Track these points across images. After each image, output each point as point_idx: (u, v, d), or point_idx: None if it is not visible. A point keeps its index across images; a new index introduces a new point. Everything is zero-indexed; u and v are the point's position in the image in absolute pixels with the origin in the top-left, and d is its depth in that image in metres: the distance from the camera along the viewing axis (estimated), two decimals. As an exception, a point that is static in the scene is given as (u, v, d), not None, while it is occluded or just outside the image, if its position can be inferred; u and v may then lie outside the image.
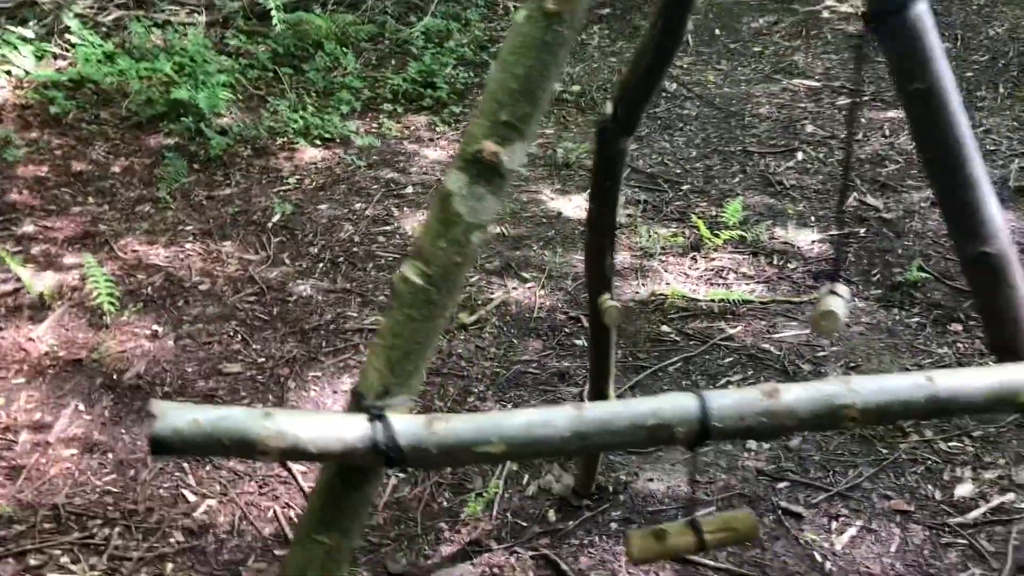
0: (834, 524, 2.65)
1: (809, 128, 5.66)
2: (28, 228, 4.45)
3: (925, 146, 1.15)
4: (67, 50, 6.34)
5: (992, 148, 5.12)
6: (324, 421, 0.98)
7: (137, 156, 5.25)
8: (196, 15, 7.12)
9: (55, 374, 3.42)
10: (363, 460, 0.99)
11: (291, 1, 7.21)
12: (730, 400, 1.07)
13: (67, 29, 6.46)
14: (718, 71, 6.73)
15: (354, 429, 0.97)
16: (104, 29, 6.77)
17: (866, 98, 6.08)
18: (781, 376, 3.31)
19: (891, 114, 5.76)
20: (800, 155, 5.30)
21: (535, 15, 0.93)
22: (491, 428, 1.01)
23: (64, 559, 2.61)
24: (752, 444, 2.98)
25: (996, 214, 1.15)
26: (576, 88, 6.33)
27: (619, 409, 1.04)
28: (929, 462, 2.87)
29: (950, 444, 2.93)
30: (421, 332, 1.00)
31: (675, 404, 1.05)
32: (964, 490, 2.72)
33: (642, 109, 1.58)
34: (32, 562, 2.58)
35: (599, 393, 2.33)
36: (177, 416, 0.94)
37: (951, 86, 1.14)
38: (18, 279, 3.91)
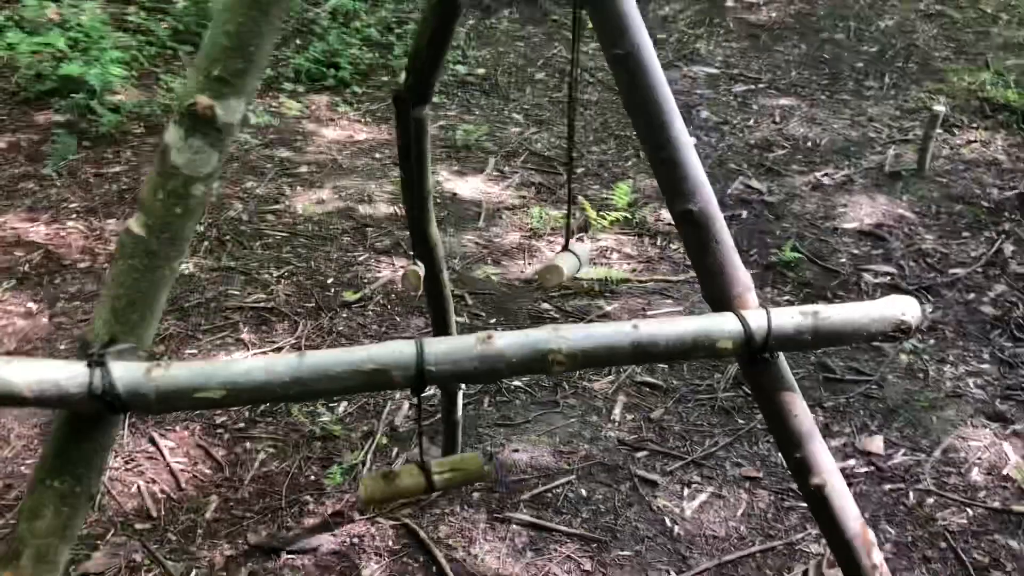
0: (686, 491, 2.75)
1: (704, 114, 5.80)
2: (-98, 204, 4.31)
3: (630, 108, 1.22)
4: (-46, 22, 6.13)
5: (873, 135, 5.32)
6: (42, 367, 1.01)
7: (24, 132, 5.12)
8: (95, -10, 6.94)
9: (-80, 352, 3.33)
10: (82, 406, 1.01)
11: (193, -22, 7.09)
12: (445, 346, 1.12)
13: (-45, 1, 6.25)
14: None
15: (72, 375, 1.00)
16: (-4, 2, 6.56)
17: (761, 85, 6.26)
18: (651, 351, 3.41)
19: (783, 101, 5.94)
20: (693, 140, 5.41)
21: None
22: (211, 373, 1.04)
23: (-86, 537, 2.56)
24: (616, 416, 3.08)
25: (698, 173, 1.23)
26: (481, 71, 6.36)
27: (340, 356, 1.09)
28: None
29: (803, 414, 3.06)
30: (144, 282, 1.03)
31: (393, 350, 1.11)
32: (811, 457, 2.85)
33: (433, 79, 1.63)
34: None
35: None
36: None
37: (650, 51, 1.21)
38: None
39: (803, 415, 1.30)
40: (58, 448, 1.08)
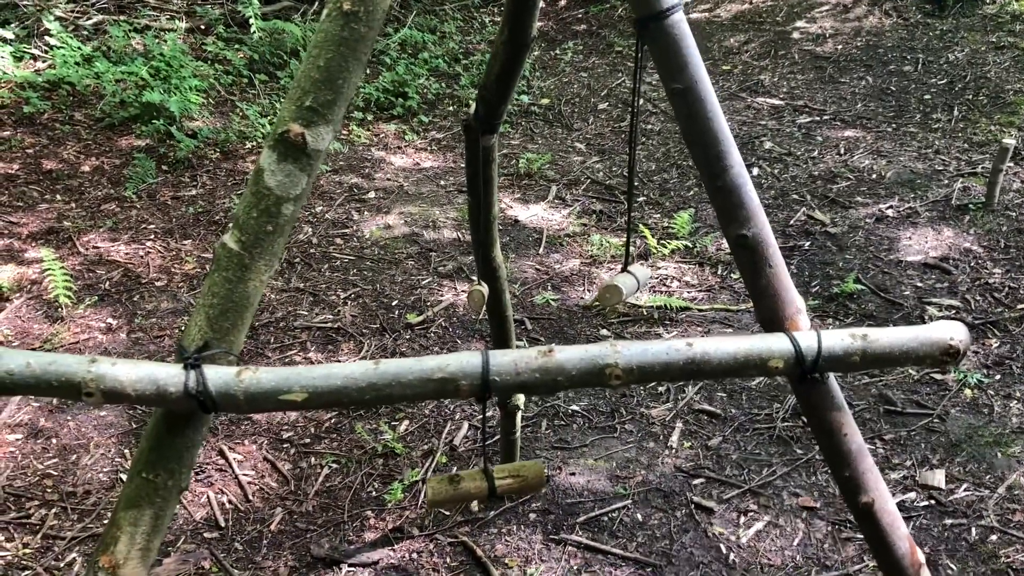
0: (742, 519, 2.76)
1: (767, 145, 5.80)
2: (-6, 223, 4.55)
3: (688, 139, 1.27)
4: (46, 52, 6.45)
5: (940, 168, 5.26)
6: (144, 369, 1.09)
7: (107, 156, 5.35)
8: (176, 21, 7.25)
9: (8, 363, 3.51)
10: (177, 404, 1.10)
11: (271, 10, 7.37)
12: (509, 358, 1.18)
13: (47, 32, 6.58)
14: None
15: (170, 376, 1.09)
16: (84, 32, 6.89)
17: (826, 117, 6.24)
18: (711, 383, 3.42)
19: (848, 133, 5.91)
20: (755, 171, 5.43)
21: (334, 14, 1.05)
22: (294, 378, 1.12)
23: (-1, 537, 2.70)
24: (674, 442, 3.10)
25: (753, 201, 1.27)
26: (545, 101, 6.46)
27: (411, 365, 1.16)
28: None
29: (863, 446, 3.04)
30: (236, 293, 1.11)
31: (461, 360, 1.17)
32: (870, 489, 2.83)
33: (501, 109, 1.70)
34: (-32, 539, 2.67)
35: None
36: (11, 358, 1.05)
37: (707, 86, 1.25)
38: (-21, 271, 4.01)
39: (852, 434, 1.33)
40: (153, 443, 1.16)
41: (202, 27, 7.35)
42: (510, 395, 2.02)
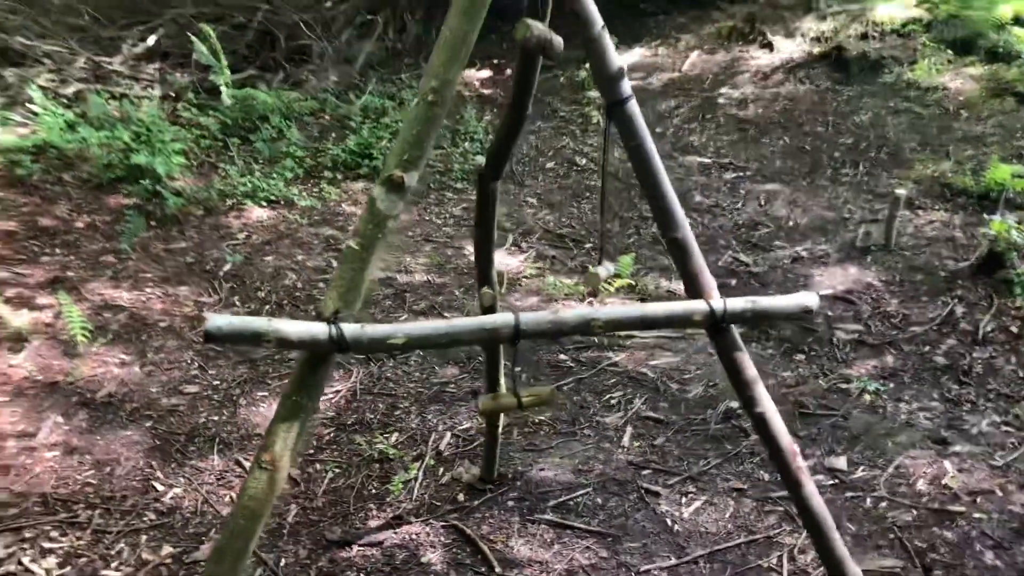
0: (684, 499, 3.33)
1: (698, 198, 6.52)
2: (2, 274, 4.96)
3: (640, 176, 1.87)
4: (30, 118, 6.90)
5: (847, 216, 6.02)
6: (302, 326, 1.63)
7: (98, 214, 5.81)
8: (150, 89, 7.77)
9: (35, 394, 3.94)
10: (323, 348, 1.63)
11: (238, 78, 7.93)
12: (532, 316, 1.75)
13: (30, 99, 7.04)
14: (623, 148, 7.60)
15: (321, 330, 1.62)
16: (65, 100, 7.36)
17: (748, 173, 7.00)
18: (653, 392, 4.02)
19: (768, 186, 6.67)
20: (688, 220, 6.12)
21: (422, 102, 1.63)
22: (396, 330, 1.67)
23: (53, 533, 3.13)
24: (625, 443, 3.68)
25: (681, 214, 1.87)
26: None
27: (472, 321, 1.71)
28: (764, 454, 3.59)
29: (781, 441, 3.66)
30: (356, 277, 1.65)
31: (503, 319, 1.73)
32: (786, 473, 3.45)
33: (504, 164, 2.29)
34: (27, 535, 3.10)
35: (492, 387, 3.00)
36: (220, 319, 1.57)
37: (650, 143, 1.85)
38: (-2, 316, 4.43)
39: (750, 367, 1.92)
40: (300, 376, 1.69)
41: (172, 95, 7.88)
42: (534, 338, 2.54)
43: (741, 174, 6.96)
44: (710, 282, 1.86)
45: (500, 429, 3.17)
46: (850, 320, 4.68)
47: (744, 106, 8.32)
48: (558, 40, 1.79)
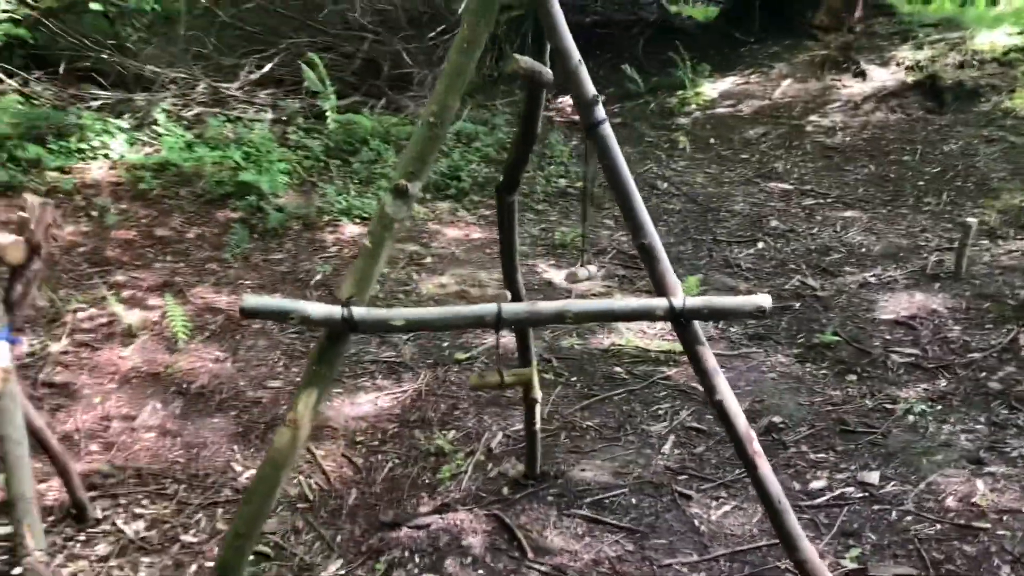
0: (714, 503, 3.51)
1: (773, 223, 6.63)
2: (120, 277, 5.53)
3: (613, 191, 2.11)
4: (155, 139, 7.58)
5: (922, 244, 6.03)
6: (322, 307, 1.94)
7: (208, 226, 6.37)
8: (263, 113, 8.39)
9: (139, 383, 4.42)
10: (337, 327, 1.94)
11: (343, 104, 8.48)
12: (511, 307, 2.01)
13: (155, 121, 7.74)
14: (707, 174, 7.77)
15: (335, 311, 1.93)
16: (186, 122, 8.05)
17: (829, 200, 7.06)
18: (700, 405, 4.20)
19: (846, 213, 6.72)
20: (760, 244, 6.26)
21: (424, 123, 1.92)
22: (397, 314, 1.96)
23: (144, 501, 3.55)
24: (666, 450, 3.87)
25: (648, 221, 2.09)
26: (580, 184, 7.38)
27: (461, 309, 1.99)
28: (799, 467, 3.73)
29: (817, 455, 3.79)
30: (368, 269, 1.96)
31: (488, 308, 2.00)
32: (817, 484, 3.57)
33: (518, 180, 2.57)
34: (122, 501, 3.53)
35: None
36: (254, 299, 1.90)
37: (622, 161, 2.08)
38: (113, 314, 4.97)
39: (710, 359, 2.13)
40: (320, 350, 2.01)
41: (283, 118, 8.48)
42: (514, 327, 2.78)
43: (821, 200, 7.03)
44: (674, 282, 2.08)
45: (537, 427, 3.42)
46: (908, 344, 4.73)
47: (832, 134, 8.37)
48: (547, 72, 2.05)
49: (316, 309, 1.93)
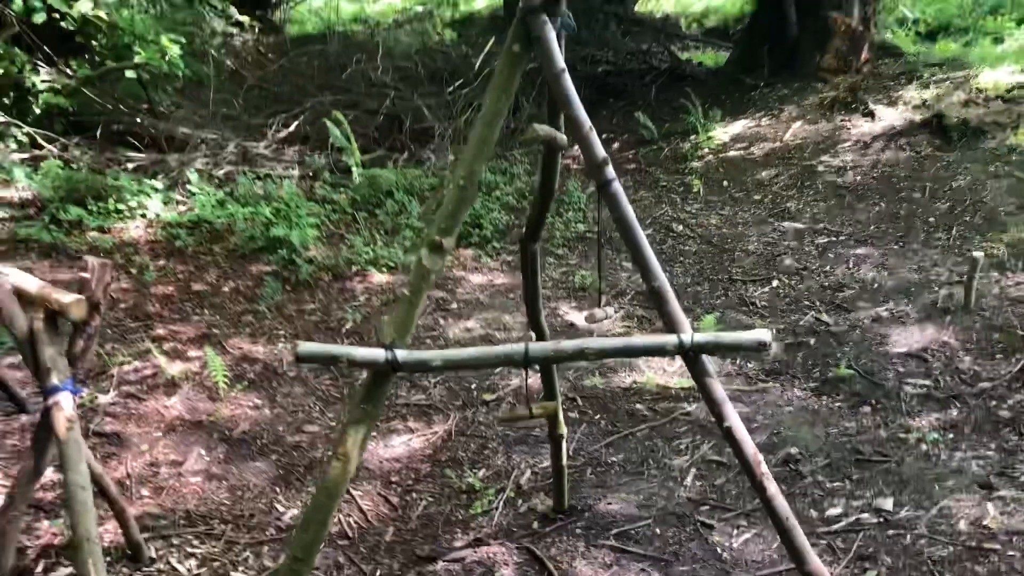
0: (735, 532, 3.67)
1: (787, 262, 6.82)
2: (161, 331, 5.79)
3: (624, 240, 2.32)
4: (188, 197, 7.91)
5: (933, 279, 6.20)
6: (367, 351, 2.16)
7: (242, 279, 6.64)
8: (290, 170, 8.72)
9: (183, 430, 4.65)
10: (382, 367, 2.15)
11: (367, 158, 8.80)
12: (538, 346, 2.22)
13: (188, 181, 8.07)
14: (721, 216, 7.99)
15: (379, 354, 2.15)
16: (217, 180, 8.38)
17: (842, 237, 7.25)
18: (720, 439, 4.37)
19: (859, 251, 6.90)
20: (775, 283, 6.45)
21: (456, 185, 2.16)
22: (436, 355, 2.18)
23: (194, 542, 3.76)
24: (688, 483, 4.04)
25: (657, 266, 2.30)
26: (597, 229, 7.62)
27: (493, 349, 2.20)
28: (816, 495, 3.89)
29: (834, 484, 3.95)
30: (407, 315, 2.18)
31: (516, 347, 2.21)
32: (834, 511, 3.73)
33: (539, 230, 2.79)
34: (174, 542, 3.74)
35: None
36: (308, 345, 2.12)
37: (631, 214, 2.29)
38: (156, 365, 5.22)
39: (718, 389, 2.32)
40: (366, 390, 2.23)
41: (310, 174, 8.81)
42: (541, 364, 2.96)
43: (834, 238, 7.22)
44: (682, 319, 2.29)
45: (564, 462, 3.61)
46: (920, 376, 4.89)
47: (842, 173, 8.57)
48: (561, 137, 2.28)
49: (362, 353, 2.16)
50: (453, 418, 4.73)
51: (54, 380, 3.18)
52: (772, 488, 2.33)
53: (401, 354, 2.14)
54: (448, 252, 2.19)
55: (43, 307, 3.26)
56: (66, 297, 3.25)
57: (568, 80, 2.13)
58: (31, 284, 3.33)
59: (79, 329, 3.33)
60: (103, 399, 4.86)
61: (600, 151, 2.18)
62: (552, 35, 2.11)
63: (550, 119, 2.39)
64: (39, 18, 7.35)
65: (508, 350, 2.21)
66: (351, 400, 3.19)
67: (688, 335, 2.25)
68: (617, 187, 2.18)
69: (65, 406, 3.17)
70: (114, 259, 6.72)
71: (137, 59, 8.17)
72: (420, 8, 18.91)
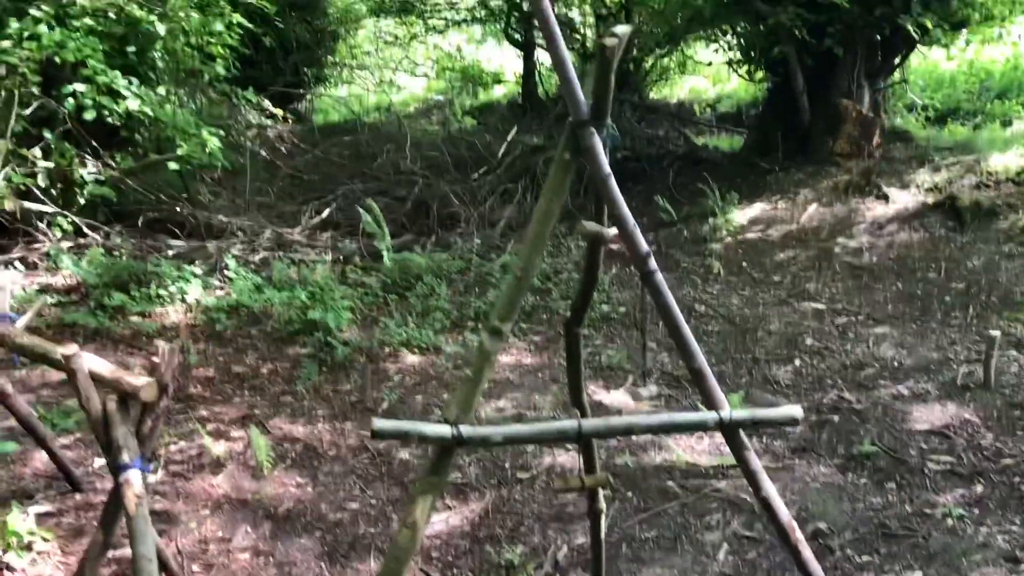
0: (769, 605, 3.79)
1: (809, 341, 7.01)
2: (204, 412, 6.01)
3: (665, 324, 2.54)
4: (226, 282, 8.22)
5: (951, 357, 6.37)
6: (436, 427, 2.36)
7: (280, 361, 6.88)
8: (323, 255, 9.05)
9: (230, 508, 4.83)
10: (448, 442, 2.35)
11: (397, 243, 9.12)
12: (590, 422, 2.41)
13: (226, 266, 8.39)
14: (742, 296, 8.20)
15: (446, 430, 2.35)
16: (253, 266, 8.71)
17: (860, 317, 7.44)
18: (750, 514, 4.51)
19: (878, 330, 7.08)
20: (797, 361, 6.62)
21: (512, 277, 2.40)
22: (496, 431, 2.38)
23: (246, 616, 3.91)
24: (720, 556, 4.17)
25: (695, 347, 2.50)
26: (622, 309, 7.85)
27: (548, 425, 2.39)
28: (846, 568, 4.00)
29: (863, 558, 4.07)
30: (471, 393, 2.39)
31: (570, 423, 2.41)
32: (864, 585, 3.85)
33: (583, 315, 3.02)
34: (226, 616, 3.89)
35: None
36: (383, 422, 2.33)
37: (671, 299, 2.50)
38: (202, 446, 5.42)
39: (755, 461, 2.50)
40: (433, 464, 2.43)
41: (342, 259, 9.13)
42: (593, 438, 3.10)
43: (853, 318, 7.41)
44: (720, 397, 2.49)
45: (602, 535, 3.76)
46: (943, 452, 5.03)
47: (859, 255, 8.80)
48: (607, 232, 2.52)
49: (431, 429, 2.37)
50: (489, 496, 4.89)
51: (125, 458, 3.40)
52: (806, 552, 2.49)
53: (465, 430, 2.35)
54: (507, 336, 2.41)
55: (116, 389, 3.50)
56: (138, 380, 3.49)
57: (614, 183, 2.38)
58: (104, 368, 3.58)
59: (148, 410, 3.56)
60: (152, 478, 5.05)
61: (644, 245, 2.41)
62: (599, 144, 2.37)
63: (595, 215, 2.63)
64: (89, 115, 7.77)
65: (563, 426, 2.41)
66: (418, 474, 3.35)
67: (727, 411, 2.45)
68: (659, 276, 2.41)
69: (134, 483, 3.38)
70: (156, 344, 6.98)
71: (179, 151, 8.58)
72: (440, 97, 19.58)
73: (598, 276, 2.86)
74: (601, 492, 3.60)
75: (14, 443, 5.13)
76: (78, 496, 4.83)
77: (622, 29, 2.26)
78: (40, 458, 5.05)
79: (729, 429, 2.42)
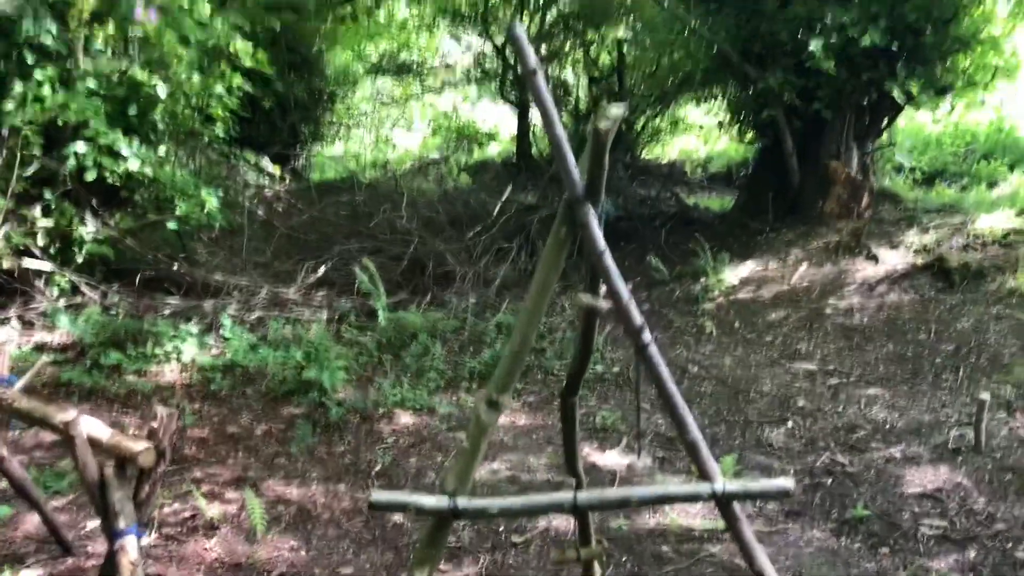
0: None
1: (801, 402, 7.05)
2: (197, 473, 6.01)
3: (660, 397, 2.59)
4: (222, 342, 8.24)
5: (943, 419, 6.41)
6: (433, 499, 2.40)
7: (274, 422, 6.89)
8: (318, 314, 9.09)
9: (223, 572, 4.81)
10: (444, 514, 2.39)
11: (392, 303, 9.18)
12: (585, 495, 2.45)
13: (222, 325, 8.43)
14: (734, 357, 8.26)
15: (443, 502, 2.39)
16: (249, 325, 8.74)
17: (852, 378, 7.49)
18: (744, 580, 4.50)
19: (869, 391, 7.14)
20: (790, 423, 6.66)
21: (510, 352, 2.47)
22: (494, 503, 2.41)
23: None
24: (715, 624, 4.16)
25: (690, 419, 2.55)
26: (616, 369, 7.89)
27: (543, 497, 2.43)
28: (840, 637, 4.01)
29: (857, 625, 4.07)
30: (467, 467, 2.43)
31: (565, 496, 2.44)
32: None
33: (578, 385, 3.07)
34: None
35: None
36: (380, 494, 2.36)
37: (667, 373, 2.57)
38: (195, 508, 5.41)
39: (748, 532, 2.54)
40: (430, 534, 2.46)
41: (337, 317, 9.17)
42: (588, 510, 3.13)
43: (844, 379, 7.46)
44: (714, 468, 2.54)
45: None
46: (936, 516, 5.05)
47: (850, 315, 8.89)
48: (602, 304, 2.59)
49: (428, 501, 2.41)
50: (483, 560, 4.88)
51: (121, 524, 3.42)
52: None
53: (462, 502, 2.39)
54: (504, 408, 2.46)
55: (115, 454, 3.52)
56: (136, 445, 3.52)
57: (609, 258, 2.46)
58: (103, 432, 3.61)
59: (145, 475, 3.58)
60: (145, 541, 5.03)
61: (638, 318, 2.48)
62: (594, 221, 2.45)
63: (590, 288, 2.69)
64: (90, 176, 7.88)
65: (558, 499, 2.45)
66: (415, 545, 3.40)
67: (720, 484, 2.49)
68: (654, 349, 2.47)
69: (130, 550, 3.39)
70: (151, 403, 6.99)
71: (178, 211, 8.67)
72: (436, 155, 19.83)
73: (593, 346, 2.91)
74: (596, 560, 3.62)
75: (7, 507, 5.12)
76: (70, 560, 4.80)
77: (615, 112, 2.34)
78: (32, 520, 5.04)
79: (723, 501, 2.46)
